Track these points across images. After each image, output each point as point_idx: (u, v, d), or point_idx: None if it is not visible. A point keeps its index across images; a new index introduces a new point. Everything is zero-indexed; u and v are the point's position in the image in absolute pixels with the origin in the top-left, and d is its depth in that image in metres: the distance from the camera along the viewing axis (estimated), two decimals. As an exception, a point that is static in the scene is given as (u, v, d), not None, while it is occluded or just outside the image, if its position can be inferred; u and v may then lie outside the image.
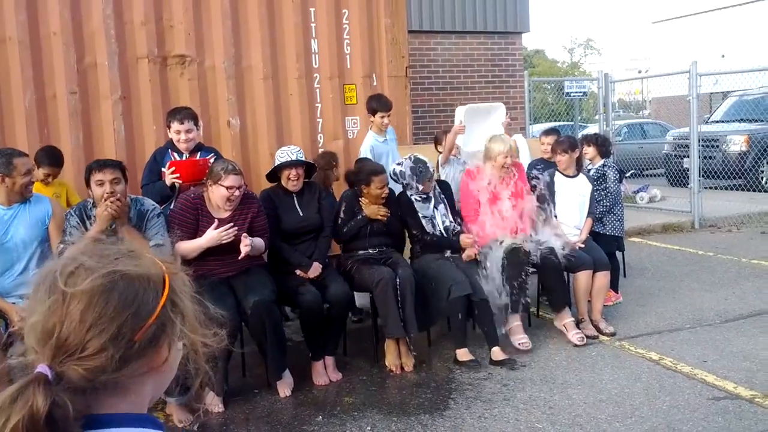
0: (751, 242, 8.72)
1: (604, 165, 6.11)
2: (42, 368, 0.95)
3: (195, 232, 4.29)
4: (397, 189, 5.25)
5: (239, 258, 4.25)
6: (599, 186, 5.97)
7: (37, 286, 1.02)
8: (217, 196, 4.30)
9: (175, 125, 4.90)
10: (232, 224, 4.26)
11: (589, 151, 6.12)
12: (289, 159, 4.75)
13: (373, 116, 5.94)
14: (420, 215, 5.10)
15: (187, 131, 4.91)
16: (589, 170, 6.12)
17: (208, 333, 1.13)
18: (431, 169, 5.15)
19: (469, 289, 4.72)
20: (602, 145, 6.16)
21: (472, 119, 5.96)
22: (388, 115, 5.92)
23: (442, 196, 5.28)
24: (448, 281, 4.72)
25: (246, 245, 4.21)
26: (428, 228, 5.10)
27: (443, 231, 5.13)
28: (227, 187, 4.26)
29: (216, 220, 4.31)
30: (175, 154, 4.96)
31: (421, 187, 5.07)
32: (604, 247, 5.75)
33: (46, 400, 0.91)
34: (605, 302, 5.79)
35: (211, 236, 4.20)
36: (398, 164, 5.22)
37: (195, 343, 1.10)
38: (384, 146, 5.94)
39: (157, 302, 1.04)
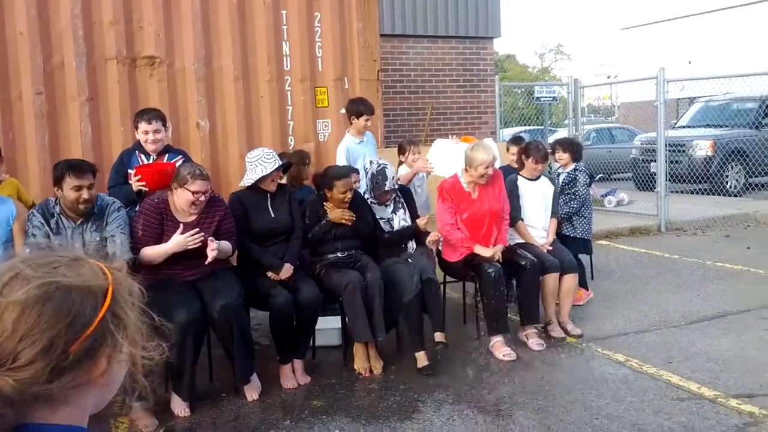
0: (716, 245, 8.87)
1: (575, 169, 6.17)
2: None
3: (160, 237, 4.24)
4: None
5: (206, 263, 4.22)
6: (569, 189, 6.03)
7: None
8: (183, 200, 4.24)
9: (143, 125, 4.84)
10: (197, 229, 4.23)
11: (564, 156, 6.18)
12: (265, 167, 4.66)
13: (357, 119, 5.95)
14: (377, 216, 5.21)
15: (155, 132, 4.85)
16: (559, 174, 6.19)
17: (150, 346, 1.10)
18: (390, 185, 5.17)
19: (417, 288, 4.72)
20: (576, 151, 6.22)
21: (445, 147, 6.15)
22: (370, 119, 5.98)
23: (402, 201, 5.32)
24: (400, 285, 4.74)
25: (212, 249, 4.18)
26: (385, 228, 5.21)
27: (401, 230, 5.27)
28: (193, 192, 4.19)
29: (181, 224, 4.27)
30: (143, 156, 4.90)
31: (371, 199, 5.24)
32: (572, 249, 5.83)
33: None
34: (578, 301, 5.87)
35: (177, 241, 4.15)
36: (370, 163, 5.31)
37: (134, 356, 1.07)
38: (360, 148, 5.96)
39: (96, 314, 1.01)
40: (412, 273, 4.80)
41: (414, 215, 5.34)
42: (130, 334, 1.06)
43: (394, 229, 5.20)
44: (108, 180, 5.02)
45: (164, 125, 4.98)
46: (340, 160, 5.87)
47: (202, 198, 4.24)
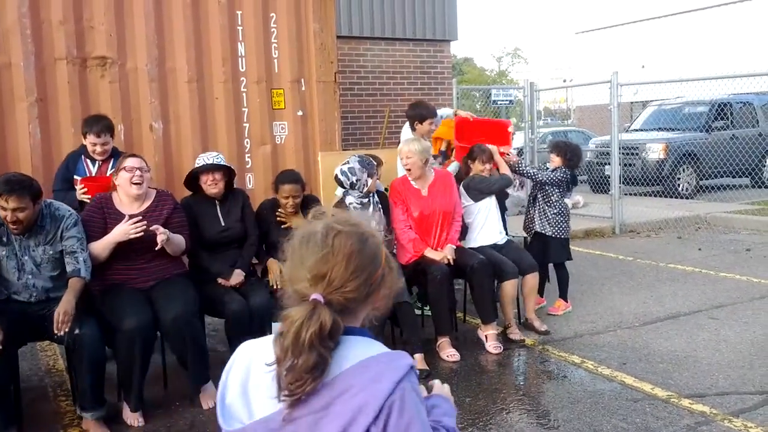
0: (668, 247, 9.04)
1: (565, 172, 6.08)
2: (317, 296, 1.43)
3: (103, 232, 4.14)
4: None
5: (156, 248, 4.11)
6: (553, 190, 5.99)
7: (306, 241, 1.50)
8: (122, 182, 4.20)
9: (92, 138, 4.78)
10: (140, 217, 4.14)
11: (556, 160, 6.06)
12: (204, 163, 4.66)
13: (421, 123, 5.90)
14: None
15: (104, 144, 4.82)
16: (546, 167, 6.24)
17: (400, 281, 1.64)
18: (375, 165, 5.08)
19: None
20: (570, 158, 6.07)
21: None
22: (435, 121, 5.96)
23: (379, 206, 5.17)
24: None
25: (161, 233, 4.07)
26: None
27: None
28: (127, 169, 4.18)
29: (127, 215, 4.18)
30: (89, 162, 4.84)
31: (370, 182, 4.95)
32: (556, 255, 5.99)
33: (330, 317, 1.40)
34: (555, 311, 5.99)
35: (121, 230, 4.07)
36: (344, 164, 5.01)
37: (392, 289, 1.58)
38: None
39: (381, 256, 1.54)
40: None
41: (389, 221, 5.19)
42: (393, 274, 1.58)
43: None
44: (53, 183, 4.90)
45: (112, 135, 4.93)
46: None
47: (139, 173, 4.21)
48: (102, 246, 4.10)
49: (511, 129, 6.07)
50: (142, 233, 4.07)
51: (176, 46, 6.02)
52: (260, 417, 1.42)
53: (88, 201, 4.48)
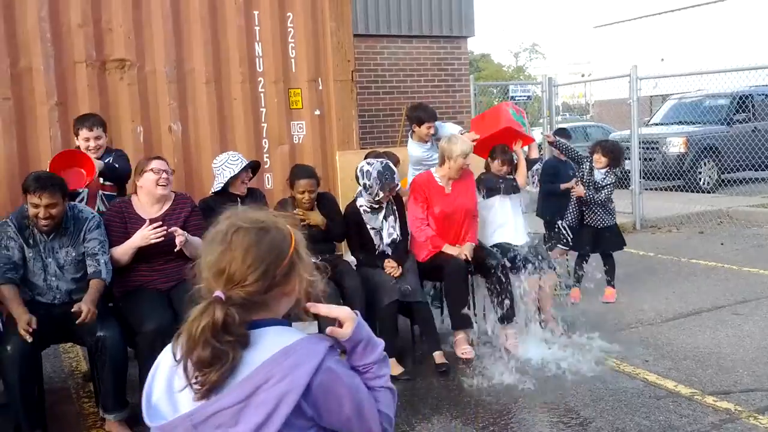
0: (690, 242, 8.95)
1: (610, 171, 6.25)
2: (218, 293, 1.48)
3: (125, 236, 4.18)
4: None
5: (175, 251, 4.13)
6: (600, 187, 6.20)
7: (210, 240, 1.55)
8: (148, 184, 4.23)
9: (84, 132, 4.81)
10: (160, 222, 4.16)
11: (603, 160, 6.21)
12: (233, 169, 4.69)
13: (419, 126, 5.91)
14: (368, 227, 4.98)
15: (97, 138, 4.84)
16: (593, 169, 6.29)
17: (315, 274, 1.63)
18: (397, 180, 5.00)
19: (396, 295, 4.68)
20: (615, 158, 6.23)
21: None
22: (434, 125, 5.98)
23: (395, 208, 5.11)
24: (380, 290, 4.69)
25: (179, 235, 4.09)
26: (376, 240, 4.97)
27: (389, 245, 5.01)
28: (155, 171, 4.22)
29: (147, 219, 4.21)
30: None
31: (381, 195, 4.89)
32: (608, 245, 6.27)
33: (222, 312, 1.45)
34: (609, 299, 6.21)
35: (142, 235, 4.09)
36: (368, 163, 4.94)
37: (307, 280, 1.60)
38: (430, 153, 5.93)
39: (289, 249, 1.56)
40: (390, 278, 4.76)
41: (404, 224, 5.16)
42: (304, 264, 1.60)
43: (384, 242, 4.99)
44: None
45: (104, 130, 4.96)
46: (410, 165, 6.04)
47: (165, 175, 4.26)
48: (123, 250, 4.13)
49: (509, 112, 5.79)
50: (162, 238, 4.09)
51: (194, 47, 6.05)
52: (184, 412, 1.46)
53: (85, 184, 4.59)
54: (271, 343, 1.49)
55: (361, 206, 4.97)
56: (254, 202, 4.81)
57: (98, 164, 4.67)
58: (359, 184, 4.97)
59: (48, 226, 3.86)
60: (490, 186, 5.54)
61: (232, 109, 6.22)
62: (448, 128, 6.50)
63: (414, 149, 6.03)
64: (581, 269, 6.45)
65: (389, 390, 1.67)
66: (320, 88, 6.61)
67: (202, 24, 6.06)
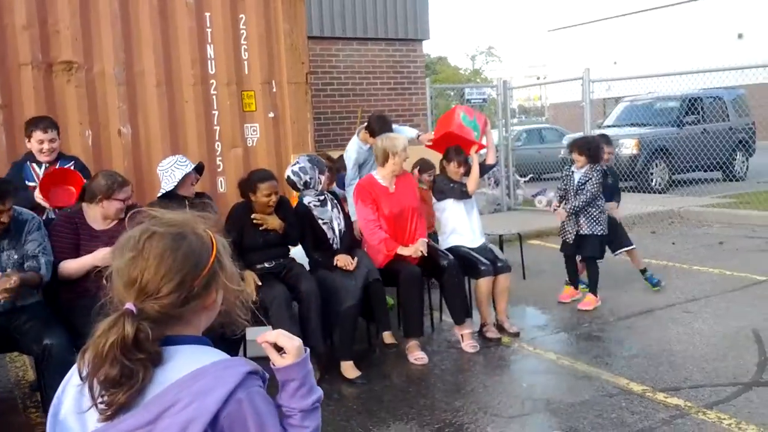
0: (642, 242, 9.07)
1: (591, 168, 6.08)
2: (129, 305, 1.34)
3: (76, 248, 4.08)
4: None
5: None
6: (581, 188, 6.06)
7: (122, 247, 1.40)
8: (111, 210, 4.14)
9: (38, 134, 4.71)
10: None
11: (581, 159, 6.11)
12: (182, 170, 4.64)
13: (371, 136, 5.88)
14: (320, 222, 4.99)
15: (51, 140, 4.75)
16: (573, 172, 6.21)
17: (239, 285, 1.50)
18: (324, 162, 5.12)
19: (357, 297, 4.67)
20: (593, 154, 6.11)
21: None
22: None
23: (335, 201, 5.19)
24: (340, 293, 4.67)
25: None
26: (329, 234, 4.98)
27: (339, 234, 5.05)
28: (123, 200, 4.16)
29: (99, 233, 4.13)
30: (35, 165, 4.77)
31: (323, 178, 4.98)
32: (589, 250, 6.05)
33: (132, 327, 1.31)
34: (586, 306, 5.99)
35: (95, 256, 3.98)
36: (293, 165, 5.03)
37: (230, 291, 1.47)
38: (370, 153, 5.95)
39: (209, 258, 1.42)
40: (351, 279, 4.74)
41: (347, 217, 5.22)
42: (228, 274, 1.46)
43: (336, 233, 5.02)
44: None
45: (58, 133, 4.87)
46: (350, 162, 6.12)
47: (130, 202, 4.23)
48: (77, 267, 4.03)
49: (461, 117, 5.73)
50: None
51: (144, 49, 5.93)
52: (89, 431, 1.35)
53: (45, 205, 4.46)
54: (183, 363, 1.35)
55: (309, 203, 5.01)
56: (203, 206, 4.74)
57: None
58: (299, 187, 5.01)
59: (1, 230, 3.80)
60: (441, 189, 5.57)
61: (184, 112, 6.11)
62: (406, 131, 6.52)
63: (355, 148, 6.11)
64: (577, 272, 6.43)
65: None
66: (274, 90, 6.54)
67: (152, 25, 5.95)
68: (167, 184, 4.63)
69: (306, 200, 5.01)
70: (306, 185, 4.95)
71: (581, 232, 6.06)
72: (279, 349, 1.50)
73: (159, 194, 4.75)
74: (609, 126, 15.14)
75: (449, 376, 4.68)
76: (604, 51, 26.03)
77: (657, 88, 13.58)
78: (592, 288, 6.15)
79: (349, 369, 4.62)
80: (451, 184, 5.54)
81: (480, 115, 5.80)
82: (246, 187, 4.82)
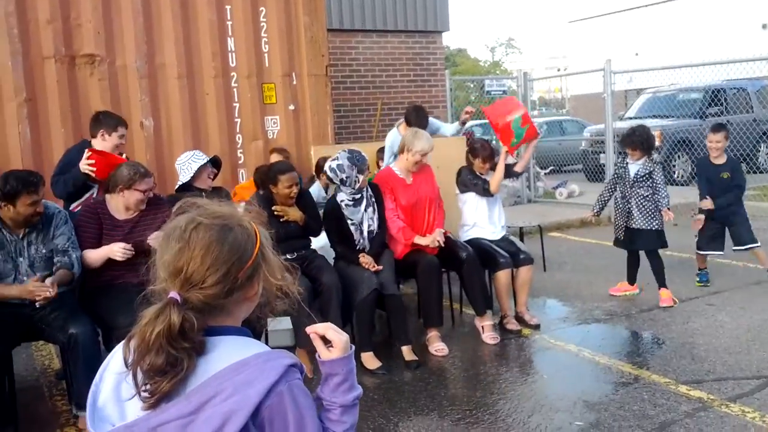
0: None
1: (649, 160, 5.86)
2: (173, 294, 1.35)
3: (99, 238, 4.13)
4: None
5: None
6: (644, 182, 5.81)
7: (168, 236, 1.41)
8: (132, 200, 4.18)
9: (122, 130, 4.79)
10: (130, 246, 4.07)
11: (636, 153, 5.86)
12: (198, 162, 4.72)
13: (408, 126, 6.09)
14: (348, 222, 4.91)
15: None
16: (628, 164, 5.93)
17: (282, 276, 1.50)
18: (367, 160, 4.98)
19: (374, 285, 4.66)
20: (646, 147, 5.82)
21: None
22: None
23: (373, 199, 5.05)
24: (358, 282, 4.68)
25: (154, 238, 4.02)
26: (356, 236, 4.91)
27: (367, 236, 4.96)
28: (143, 191, 4.18)
29: (121, 223, 4.19)
30: None
31: (361, 178, 4.84)
32: (646, 243, 5.88)
33: (179, 316, 1.32)
34: (666, 303, 5.75)
35: (111, 249, 4.03)
36: (333, 160, 4.87)
37: (272, 283, 1.48)
38: None
39: (253, 251, 1.43)
40: (365, 271, 4.74)
41: (383, 216, 5.08)
42: (270, 266, 1.47)
43: (363, 236, 4.93)
44: (55, 169, 4.82)
45: None
46: (388, 153, 6.15)
47: (150, 194, 4.26)
48: (94, 258, 4.08)
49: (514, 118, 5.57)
50: (125, 257, 4.03)
51: (165, 42, 5.99)
52: (131, 420, 1.34)
53: (92, 173, 4.46)
54: (225, 353, 1.36)
55: (341, 201, 4.91)
56: (219, 197, 4.77)
57: None
58: (336, 183, 4.92)
59: (38, 220, 3.86)
60: (464, 182, 5.55)
61: (205, 104, 6.17)
62: (445, 129, 6.55)
63: (392, 138, 6.19)
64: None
65: None
66: (294, 83, 6.57)
67: (173, 18, 6.00)
68: (184, 176, 4.71)
69: (339, 198, 4.92)
70: (343, 183, 4.85)
71: (632, 226, 5.87)
72: (326, 342, 1.53)
73: (176, 186, 4.80)
74: (630, 118, 15.01)
75: (469, 368, 4.69)
76: (625, 42, 25.77)
77: (679, 80, 13.43)
78: (662, 283, 5.91)
79: (369, 360, 4.64)
80: (475, 180, 5.50)
81: (533, 127, 5.64)
82: (267, 179, 4.84)
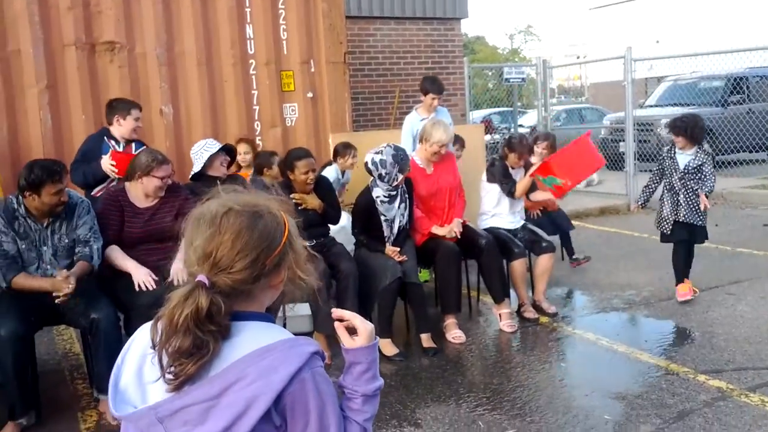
0: (685, 223, 8.94)
1: (700, 151, 5.55)
2: (201, 277, 1.36)
3: (121, 226, 4.17)
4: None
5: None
6: (694, 175, 5.51)
7: (198, 220, 1.42)
8: (150, 187, 4.21)
9: (137, 113, 4.86)
10: (154, 281, 4.02)
11: (680, 140, 5.53)
12: (210, 151, 4.75)
13: (424, 96, 6.19)
14: (382, 218, 4.86)
15: (140, 120, 4.96)
16: (676, 153, 5.59)
17: (307, 266, 1.51)
18: (410, 160, 4.94)
19: (399, 273, 4.67)
20: (692, 135, 5.46)
21: None
22: (438, 98, 6.18)
23: (407, 195, 5.00)
24: (380, 269, 4.68)
25: (146, 276, 4.04)
26: (386, 231, 4.88)
27: (398, 231, 4.92)
28: (161, 178, 4.21)
29: (141, 210, 4.24)
30: (113, 142, 4.86)
31: (400, 177, 4.79)
32: (695, 237, 5.57)
33: (207, 299, 1.33)
34: (685, 296, 5.55)
35: (136, 271, 4.01)
36: (377, 152, 4.78)
37: (297, 271, 1.48)
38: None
39: (282, 238, 1.44)
40: (389, 259, 4.74)
41: (412, 209, 5.06)
42: (296, 255, 1.48)
43: (393, 232, 4.90)
44: (75, 156, 4.91)
45: None
46: (405, 136, 6.12)
47: (169, 181, 4.28)
48: (121, 264, 4.10)
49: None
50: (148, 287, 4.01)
51: (185, 29, 6.01)
52: (153, 402, 1.35)
53: (115, 174, 4.57)
54: (249, 339, 1.37)
55: (377, 197, 4.86)
56: (236, 184, 4.79)
57: None
58: (374, 176, 4.86)
59: (62, 209, 3.89)
60: (494, 175, 5.50)
61: (224, 92, 6.19)
62: (442, 115, 6.50)
63: (410, 120, 6.15)
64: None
65: (365, 430, 1.52)
66: (312, 70, 6.57)
67: (192, 6, 6.02)
68: (196, 165, 4.75)
69: (375, 193, 4.86)
70: (380, 177, 4.80)
71: (681, 219, 5.54)
72: (350, 332, 1.55)
73: (190, 175, 4.84)
74: (651, 106, 14.87)
75: (487, 355, 4.69)
76: (646, 29, 25.50)
77: (701, 67, 13.28)
78: (685, 275, 5.69)
79: (387, 346, 4.65)
80: (505, 179, 5.44)
81: (560, 193, 5.61)
82: (283, 167, 4.86)
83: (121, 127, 4.82)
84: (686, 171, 5.51)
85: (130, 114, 4.83)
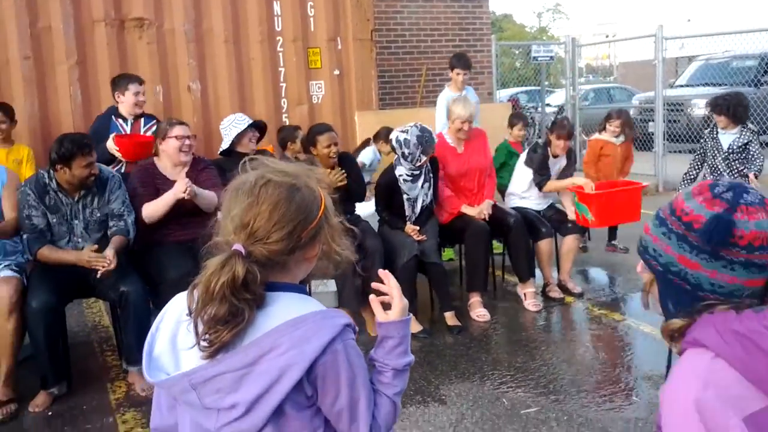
0: (714, 204, 8.84)
1: (746, 130, 5.44)
2: (238, 246, 1.37)
3: (156, 196, 4.21)
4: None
5: (184, 195, 4.07)
6: (739, 155, 5.39)
7: (236, 190, 1.43)
8: (171, 150, 4.24)
9: (135, 87, 4.88)
10: (187, 179, 4.13)
11: (721, 119, 5.45)
12: (239, 127, 4.82)
13: (452, 71, 6.16)
14: (404, 196, 4.87)
15: (144, 93, 4.97)
16: (719, 133, 5.49)
17: (343, 241, 1.52)
18: (436, 140, 4.91)
19: (415, 251, 4.66)
20: (735, 113, 5.36)
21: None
22: (465, 74, 6.11)
23: (431, 174, 4.99)
24: (399, 246, 4.69)
25: (185, 181, 4.07)
26: (407, 211, 4.89)
27: (419, 211, 4.93)
28: (178, 137, 4.23)
29: (172, 182, 4.25)
30: (120, 120, 4.92)
31: (423, 159, 4.76)
32: None
33: (243, 267, 1.33)
34: None
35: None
36: (403, 131, 4.77)
37: (332, 246, 1.49)
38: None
39: (318, 212, 1.44)
40: (407, 237, 4.75)
41: (437, 188, 5.05)
42: (332, 230, 1.49)
43: (415, 211, 4.91)
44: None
45: None
46: (440, 111, 6.04)
47: (188, 141, 4.28)
48: (157, 207, 4.14)
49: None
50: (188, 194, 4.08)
51: (212, 6, 6.02)
52: (187, 369, 1.36)
53: (120, 157, 4.64)
54: (283, 309, 1.38)
55: (400, 176, 4.86)
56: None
57: None
58: (397, 154, 4.85)
59: (93, 181, 3.93)
60: (531, 160, 5.44)
61: (251, 69, 6.20)
62: (469, 94, 6.46)
63: (446, 98, 6.03)
64: None
65: (394, 404, 1.54)
66: (339, 47, 6.56)
67: (220, -18, 6.02)
68: (225, 142, 4.77)
69: (398, 172, 4.86)
70: (404, 156, 4.79)
71: None
72: (385, 307, 1.58)
73: (219, 151, 4.87)
74: (681, 86, 14.64)
75: (511, 334, 4.70)
76: (677, 8, 25.06)
77: (733, 46, 13.02)
78: None
79: (411, 323, 4.66)
80: (542, 170, 5.40)
81: (584, 222, 5.46)
82: (306, 143, 4.87)
83: (123, 104, 4.89)
84: (730, 151, 5.36)
85: (128, 89, 4.87)
